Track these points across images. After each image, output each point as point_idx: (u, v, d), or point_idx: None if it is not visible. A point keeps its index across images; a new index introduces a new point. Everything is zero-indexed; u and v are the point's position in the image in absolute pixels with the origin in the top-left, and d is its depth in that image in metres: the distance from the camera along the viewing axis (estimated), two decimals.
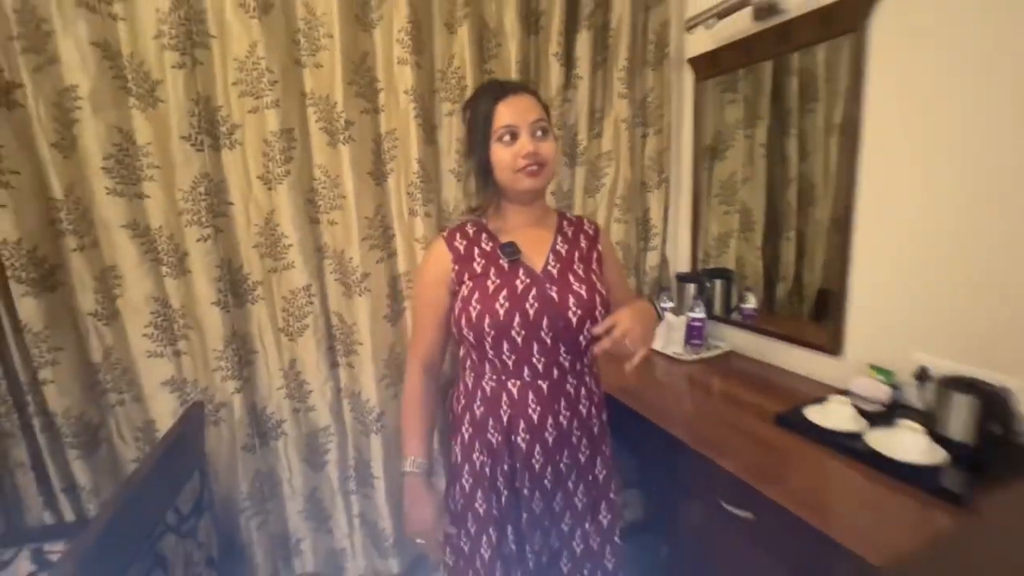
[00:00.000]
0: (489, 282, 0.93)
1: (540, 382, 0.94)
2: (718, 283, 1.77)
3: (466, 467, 0.99)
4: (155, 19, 1.22)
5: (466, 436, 0.99)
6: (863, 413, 1.13)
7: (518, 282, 0.93)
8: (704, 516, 1.14)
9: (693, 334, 1.65)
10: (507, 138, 0.91)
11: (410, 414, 1.03)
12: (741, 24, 1.49)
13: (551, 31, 1.58)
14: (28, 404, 1.21)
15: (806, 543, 0.87)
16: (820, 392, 1.24)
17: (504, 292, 0.92)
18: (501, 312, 0.90)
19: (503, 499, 0.97)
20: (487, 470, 0.97)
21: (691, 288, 1.74)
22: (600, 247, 1.04)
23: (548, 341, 0.92)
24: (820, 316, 1.45)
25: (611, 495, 1.03)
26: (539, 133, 0.92)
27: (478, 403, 0.98)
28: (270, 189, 1.38)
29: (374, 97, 1.44)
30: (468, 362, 1.01)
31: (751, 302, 1.67)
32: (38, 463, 1.26)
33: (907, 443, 0.98)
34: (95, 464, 1.29)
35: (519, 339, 0.92)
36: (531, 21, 1.58)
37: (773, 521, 0.93)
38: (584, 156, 1.71)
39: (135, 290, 1.30)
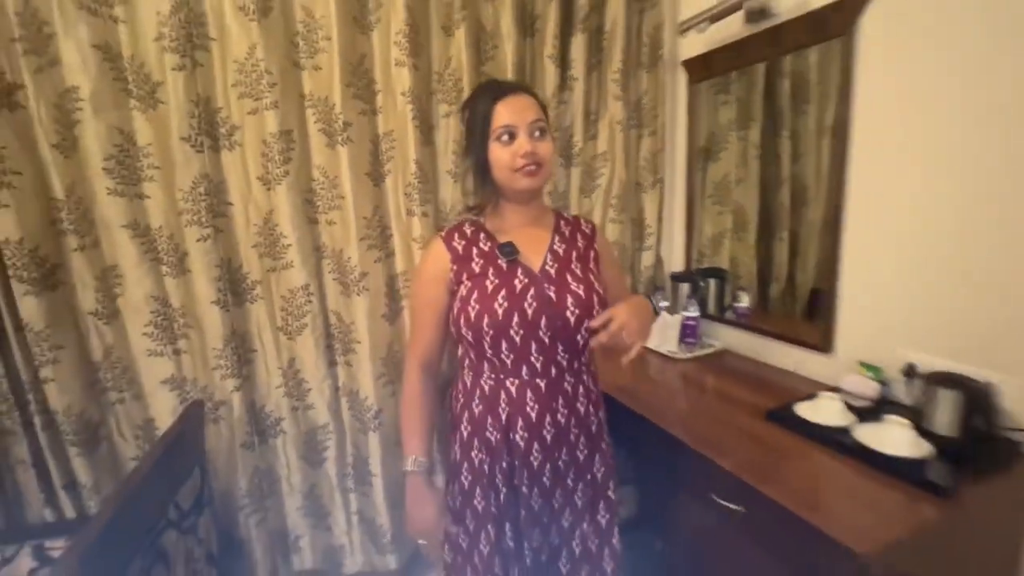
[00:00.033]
0: (488, 282, 0.94)
1: (538, 380, 0.95)
2: (712, 282, 1.79)
3: (465, 465, 0.99)
4: (156, 22, 1.24)
5: (465, 434, 1.00)
6: (852, 409, 1.15)
7: (516, 282, 0.94)
8: (697, 511, 1.16)
9: (687, 333, 1.68)
10: (505, 138, 0.92)
11: (410, 413, 1.03)
12: (733, 27, 1.52)
13: (547, 34, 1.60)
14: (29, 402, 1.23)
15: (795, 534, 0.89)
16: (811, 389, 1.26)
17: (503, 292, 0.92)
18: (500, 312, 0.91)
19: (502, 496, 0.97)
20: (486, 468, 0.97)
21: (685, 287, 1.76)
22: (597, 246, 1.05)
23: (546, 340, 0.93)
24: (812, 315, 1.47)
25: (609, 493, 1.04)
26: (537, 133, 0.93)
27: (477, 402, 0.98)
28: (269, 189, 1.40)
29: (372, 99, 1.46)
30: (466, 361, 1.01)
31: (744, 301, 1.69)
32: (39, 460, 1.27)
33: (894, 437, 1.00)
34: (95, 462, 1.31)
35: (518, 338, 0.92)
36: (527, 24, 1.60)
37: (764, 514, 0.95)
38: (579, 157, 1.73)
39: (135, 289, 1.32)
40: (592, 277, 0.99)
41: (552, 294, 0.93)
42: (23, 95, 1.16)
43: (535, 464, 0.96)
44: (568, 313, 0.93)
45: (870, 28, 1.21)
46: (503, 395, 0.96)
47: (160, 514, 1.06)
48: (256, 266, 1.43)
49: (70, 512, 1.30)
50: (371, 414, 1.54)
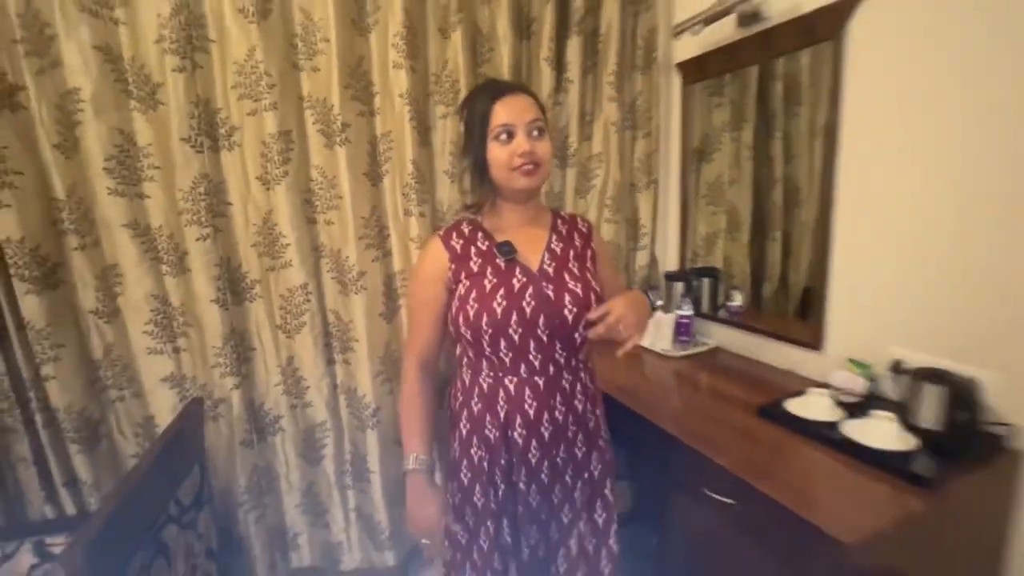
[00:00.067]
0: (486, 281, 0.95)
1: (536, 378, 0.96)
2: (705, 282, 1.81)
3: (464, 462, 1.00)
4: (156, 24, 1.25)
5: (464, 432, 1.00)
6: (841, 404, 1.18)
7: (515, 281, 0.94)
8: (691, 505, 1.18)
9: (681, 331, 1.70)
10: (504, 137, 0.92)
11: (409, 412, 1.03)
12: (726, 31, 1.54)
13: (542, 36, 1.62)
14: (31, 400, 1.24)
15: (785, 526, 0.91)
16: (802, 386, 1.28)
17: (501, 291, 0.93)
18: (499, 311, 0.92)
19: (500, 492, 0.98)
20: (485, 465, 0.98)
21: (679, 286, 1.78)
22: (594, 245, 1.06)
23: (544, 338, 0.94)
24: (805, 314, 1.49)
25: (606, 492, 1.04)
26: (535, 133, 0.93)
27: (475, 399, 0.99)
28: (268, 189, 1.41)
29: (370, 100, 1.48)
30: (465, 359, 1.02)
31: (737, 300, 1.72)
32: (40, 458, 1.28)
33: (880, 431, 1.03)
34: (96, 459, 1.32)
35: (516, 337, 0.93)
36: (523, 27, 1.62)
37: (755, 507, 0.97)
38: (575, 158, 1.75)
39: (135, 288, 1.33)
40: (589, 276, 0.99)
41: (550, 293, 0.94)
42: (25, 96, 1.17)
43: (533, 461, 0.97)
44: (566, 311, 0.94)
45: (858, 32, 1.24)
46: (502, 393, 0.96)
47: (161, 509, 1.07)
48: (255, 265, 1.44)
49: (70, 509, 1.32)
50: (369, 412, 1.56)
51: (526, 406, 0.95)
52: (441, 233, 1.02)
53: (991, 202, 1.05)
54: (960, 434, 1.02)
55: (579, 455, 1.01)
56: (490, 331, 0.92)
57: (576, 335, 0.96)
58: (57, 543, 1.25)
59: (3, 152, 1.14)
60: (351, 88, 1.43)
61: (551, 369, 0.96)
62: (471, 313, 0.93)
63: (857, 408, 1.16)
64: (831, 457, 1.05)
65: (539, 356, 0.95)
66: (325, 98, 1.41)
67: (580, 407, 1.00)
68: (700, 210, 1.83)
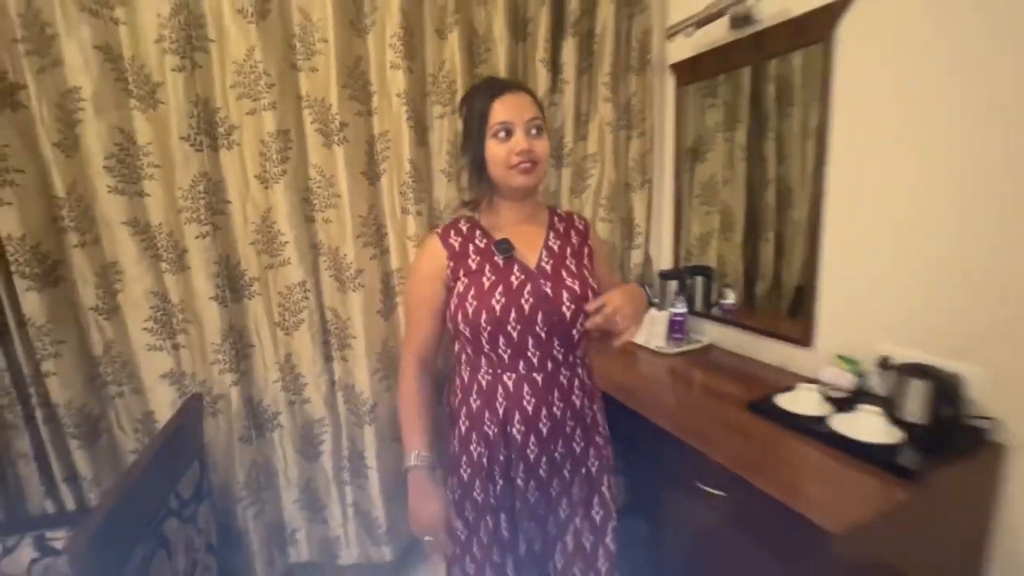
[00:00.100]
0: (484, 278, 0.95)
1: (535, 375, 0.96)
2: (699, 280, 1.84)
3: (464, 458, 1.01)
4: (156, 23, 1.26)
5: (463, 429, 1.01)
6: (829, 399, 1.20)
7: (513, 278, 0.95)
8: (683, 498, 1.20)
9: (675, 329, 1.73)
10: (502, 134, 0.92)
11: (409, 410, 1.02)
12: (719, 32, 1.57)
13: (538, 38, 1.64)
14: (31, 396, 1.25)
15: (774, 517, 0.93)
16: (793, 382, 1.30)
17: (500, 288, 0.94)
18: (497, 308, 0.92)
19: (498, 488, 0.99)
20: (484, 461, 0.99)
21: (673, 285, 1.81)
22: (591, 242, 1.07)
23: (543, 335, 0.94)
24: (797, 312, 1.52)
25: (603, 489, 1.05)
26: (534, 131, 0.93)
27: (474, 396, 1.00)
28: (267, 188, 1.42)
29: (367, 100, 1.49)
30: (463, 357, 1.03)
31: (730, 298, 1.74)
32: (40, 453, 1.29)
33: (867, 425, 1.06)
34: (96, 454, 1.33)
35: (515, 334, 0.93)
36: (519, 28, 1.64)
37: (745, 499, 1.00)
38: (570, 158, 1.78)
39: (135, 285, 1.34)
40: (586, 272, 1.00)
41: (548, 290, 0.95)
42: (25, 95, 1.18)
43: (532, 457, 0.98)
44: (564, 308, 0.95)
45: (847, 35, 1.26)
46: (500, 389, 0.97)
47: (161, 503, 1.09)
48: (254, 263, 1.45)
49: (71, 504, 1.33)
50: (367, 408, 1.57)
51: (524, 402, 0.96)
52: (439, 231, 1.02)
53: (978, 203, 1.07)
54: (944, 428, 1.05)
55: (577, 450, 1.02)
56: (489, 328, 0.93)
57: (574, 331, 0.97)
58: (57, 538, 1.27)
59: (4, 150, 1.15)
60: (349, 88, 1.44)
61: (549, 365, 0.97)
62: (470, 311, 0.94)
63: (845, 403, 1.18)
64: (819, 450, 1.07)
65: (537, 353, 0.95)
66: (323, 98, 1.43)
67: (578, 403, 1.01)
68: (694, 209, 1.85)
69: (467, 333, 0.96)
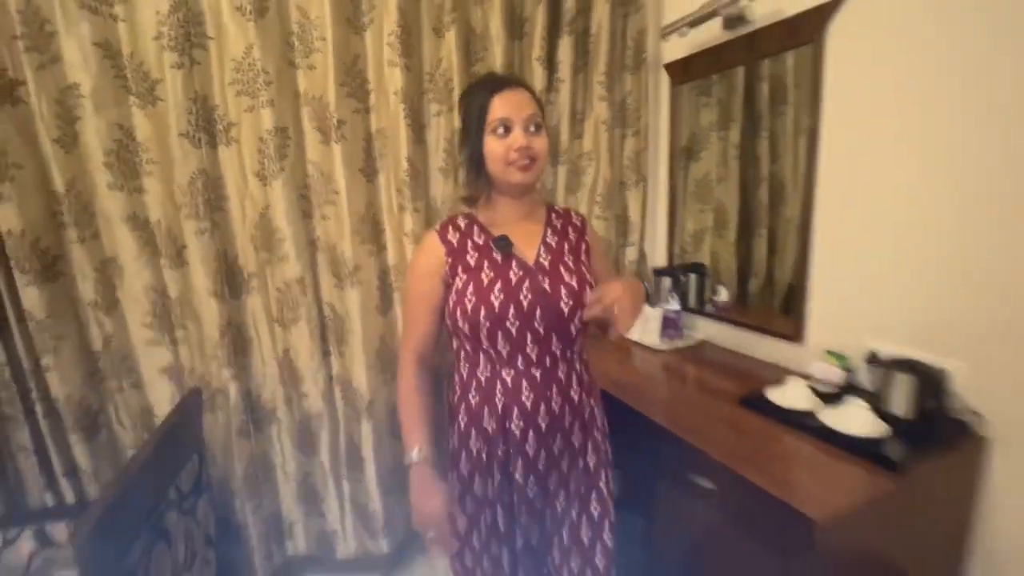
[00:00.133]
0: (483, 275, 0.95)
1: (533, 370, 0.97)
2: (692, 277, 1.86)
3: (463, 454, 1.02)
4: (155, 21, 1.27)
5: (462, 424, 1.01)
6: (818, 394, 1.23)
7: (512, 274, 0.95)
8: (676, 490, 1.23)
9: (668, 325, 1.75)
10: (501, 131, 0.92)
11: (408, 407, 1.01)
12: (713, 33, 1.59)
13: (535, 36, 1.66)
14: (31, 390, 1.26)
15: (763, 507, 0.96)
16: (784, 377, 1.32)
17: (499, 284, 0.94)
18: (496, 304, 0.93)
19: (497, 483, 1.00)
20: (483, 456, 1.00)
21: (667, 282, 1.83)
22: (588, 238, 1.07)
23: (541, 331, 0.95)
24: (788, 309, 1.54)
25: (601, 485, 1.05)
26: (532, 128, 0.93)
27: (473, 393, 1.00)
28: (265, 185, 1.44)
29: (365, 98, 1.51)
30: (462, 354, 1.03)
31: (723, 295, 1.77)
32: (40, 447, 1.30)
33: (854, 418, 1.08)
34: (95, 449, 1.34)
35: (513, 330, 0.94)
36: (515, 27, 1.65)
37: (736, 490, 1.02)
38: (566, 156, 1.79)
39: (134, 281, 1.36)
40: (584, 269, 1.01)
41: (547, 286, 0.95)
42: (24, 91, 1.19)
43: (531, 453, 0.99)
44: (562, 304, 0.95)
45: (837, 36, 1.29)
46: (499, 385, 0.98)
47: (162, 495, 1.10)
48: (252, 259, 1.47)
49: (70, 497, 1.34)
50: (364, 403, 1.59)
51: (523, 398, 0.97)
52: (437, 227, 1.03)
53: (966, 204, 1.10)
54: (928, 421, 1.08)
55: (576, 445, 1.03)
56: (488, 324, 0.93)
57: (572, 327, 0.97)
58: (57, 530, 1.28)
59: (4, 146, 1.16)
60: (347, 86, 1.46)
61: (547, 361, 0.97)
62: (469, 307, 0.94)
63: (833, 397, 1.21)
64: (808, 443, 1.10)
65: (536, 348, 0.96)
66: (321, 95, 1.44)
67: (576, 398, 1.01)
68: (688, 207, 1.87)
69: (466, 330, 0.96)
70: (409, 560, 1.77)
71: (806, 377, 1.30)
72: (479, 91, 0.96)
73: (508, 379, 0.97)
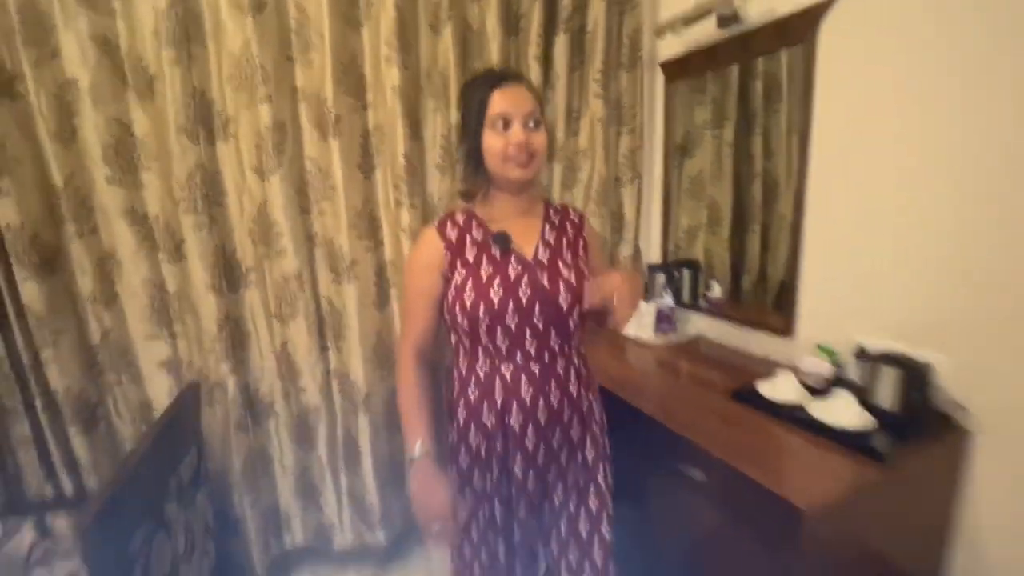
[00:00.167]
0: (482, 270, 0.96)
1: (532, 366, 0.98)
2: (686, 273, 1.88)
3: (463, 448, 1.02)
4: (153, 16, 1.27)
5: (461, 420, 1.02)
6: (807, 387, 1.25)
7: (511, 270, 0.96)
8: (667, 481, 1.25)
9: (662, 320, 1.77)
10: (500, 126, 0.92)
11: (409, 402, 1.01)
12: (707, 31, 1.60)
13: (531, 34, 1.67)
14: (30, 383, 1.27)
15: (752, 497, 0.98)
16: (775, 371, 1.35)
17: (498, 280, 0.94)
18: (496, 300, 0.93)
19: (495, 476, 1.02)
20: (483, 451, 1.01)
21: (661, 277, 1.85)
22: (585, 234, 1.08)
23: (540, 326, 0.96)
24: (781, 304, 1.56)
25: (599, 479, 1.06)
26: (532, 124, 0.94)
27: (472, 388, 1.01)
28: (263, 180, 1.44)
29: (362, 94, 1.51)
30: (460, 349, 1.03)
31: (716, 291, 1.79)
32: (40, 440, 1.32)
33: (841, 411, 1.11)
34: (94, 441, 1.36)
35: (512, 325, 0.95)
36: (512, 24, 1.66)
37: (726, 480, 1.05)
38: (562, 152, 1.81)
39: (133, 275, 1.37)
40: (582, 265, 1.02)
41: (545, 282, 0.96)
42: (23, 86, 1.20)
43: (530, 447, 1.00)
44: (561, 300, 0.96)
45: (828, 35, 1.30)
46: (498, 381, 0.98)
47: (162, 486, 1.12)
48: (250, 253, 1.48)
49: (69, 489, 1.35)
50: (361, 397, 1.60)
51: (522, 393, 0.98)
52: (436, 223, 1.03)
53: (950, 204, 1.12)
54: (914, 413, 1.11)
55: (574, 438, 1.04)
56: (487, 320, 0.94)
57: (570, 322, 0.98)
58: (58, 521, 1.29)
59: (2, 140, 1.17)
60: (344, 82, 1.46)
61: (546, 356, 0.99)
62: (468, 303, 0.94)
63: (823, 391, 1.24)
64: (797, 435, 1.12)
65: (534, 344, 0.97)
66: (318, 91, 1.45)
67: (575, 392, 1.02)
68: (682, 204, 1.89)
69: (465, 325, 0.97)
70: (406, 552, 1.79)
71: (796, 371, 1.33)
72: (479, 85, 0.96)
73: (507, 374, 0.98)
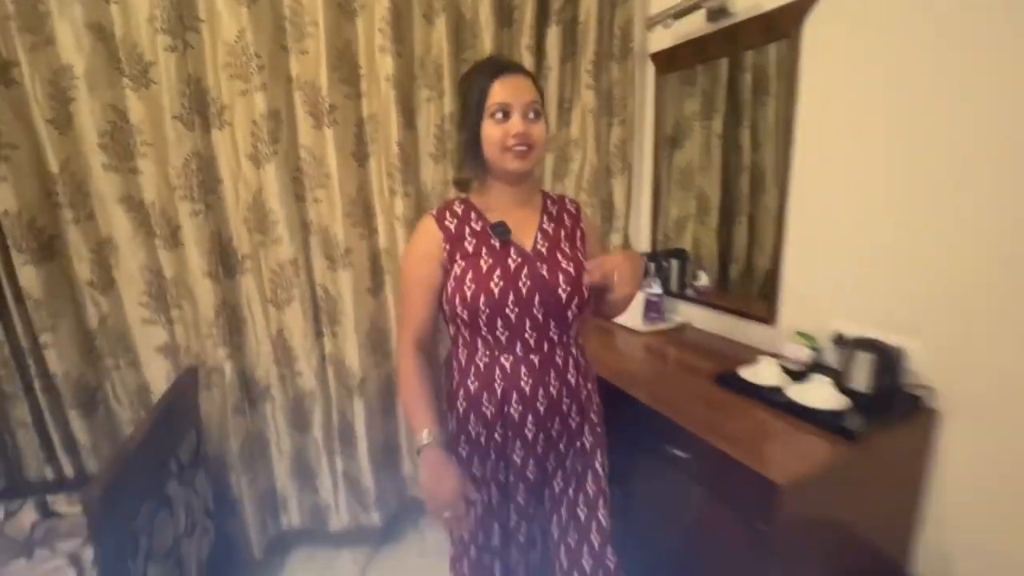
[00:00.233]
0: (482, 261, 0.96)
1: (532, 356, 0.98)
2: (674, 262, 1.93)
3: (463, 438, 1.03)
4: (148, 3, 1.28)
5: (461, 410, 1.02)
6: (787, 371, 1.31)
7: (510, 261, 0.96)
8: (652, 461, 1.30)
9: (651, 308, 1.81)
10: (499, 115, 0.92)
11: (411, 391, 0.98)
12: (696, 24, 1.63)
13: (524, 24, 1.68)
14: (29, 366, 1.29)
15: (731, 474, 1.03)
16: (757, 357, 1.39)
17: (498, 271, 0.94)
18: (496, 291, 0.93)
19: (494, 463, 1.03)
20: (482, 439, 1.02)
21: (650, 267, 1.89)
22: (583, 225, 1.08)
23: (539, 317, 0.96)
24: (765, 293, 1.61)
25: (597, 464, 1.07)
26: (531, 115, 0.93)
27: (472, 378, 1.01)
28: (258, 168, 1.46)
29: (356, 83, 1.53)
30: (460, 340, 1.03)
31: (703, 280, 1.84)
32: (39, 423, 1.34)
33: (818, 393, 1.16)
34: (93, 424, 1.38)
35: (512, 316, 0.94)
36: (505, 14, 1.68)
37: (708, 459, 1.10)
38: (554, 143, 1.84)
39: (130, 261, 1.38)
40: (580, 255, 1.02)
41: (544, 272, 0.97)
42: (18, 72, 1.20)
43: (529, 436, 1.01)
44: (560, 291, 0.96)
45: (813, 30, 1.34)
46: (498, 371, 0.99)
47: (163, 465, 1.15)
48: (246, 240, 1.50)
49: (69, 471, 1.38)
50: (356, 382, 1.64)
51: (522, 383, 0.98)
52: (434, 213, 1.02)
53: (926, 197, 1.17)
54: (886, 395, 1.16)
55: (573, 426, 1.05)
56: (487, 311, 0.94)
57: (569, 313, 0.98)
58: (58, 502, 1.32)
59: None
60: (338, 71, 1.48)
61: (545, 346, 0.99)
62: (468, 294, 0.94)
63: (801, 375, 1.29)
64: (776, 416, 1.18)
65: (534, 334, 0.97)
66: (313, 80, 1.46)
67: (573, 381, 1.03)
68: (671, 194, 1.93)
69: (464, 316, 0.96)
70: (400, 533, 1.84)
71: (778, 357, 1.38)
72: (480, 74, 0.96)
73: (507, 365, 0.99)
